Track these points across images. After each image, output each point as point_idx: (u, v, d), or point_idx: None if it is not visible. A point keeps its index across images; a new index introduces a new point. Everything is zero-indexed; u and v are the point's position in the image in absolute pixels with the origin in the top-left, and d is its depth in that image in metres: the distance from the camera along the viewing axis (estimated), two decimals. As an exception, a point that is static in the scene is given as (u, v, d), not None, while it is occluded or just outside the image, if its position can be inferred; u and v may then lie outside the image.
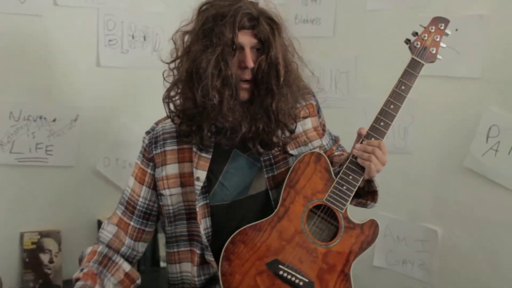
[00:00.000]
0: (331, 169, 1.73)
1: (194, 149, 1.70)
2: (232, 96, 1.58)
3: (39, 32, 2.27)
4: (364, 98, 2.63)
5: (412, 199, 2.56)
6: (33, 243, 2.29)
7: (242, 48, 1.60)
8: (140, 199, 1.76)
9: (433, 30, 1.80)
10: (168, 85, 1.69)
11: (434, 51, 1.81)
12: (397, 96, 1.72)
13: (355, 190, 1.68)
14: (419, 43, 1.79)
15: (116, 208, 1.82)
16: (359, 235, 1.71)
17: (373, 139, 1.68)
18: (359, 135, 1.71)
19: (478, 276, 2.33)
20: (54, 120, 2.31)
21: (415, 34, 1.81)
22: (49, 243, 2.32)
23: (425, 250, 2.50)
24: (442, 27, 1.81)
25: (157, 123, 1.80)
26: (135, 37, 2.48)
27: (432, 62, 1.82)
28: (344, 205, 1.68)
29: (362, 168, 1.67)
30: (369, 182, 1.75)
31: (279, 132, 1.69)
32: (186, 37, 1.65)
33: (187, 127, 1.66)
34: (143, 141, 1.77)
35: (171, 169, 1.72)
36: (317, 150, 1.78)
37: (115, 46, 2.43)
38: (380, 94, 2.61)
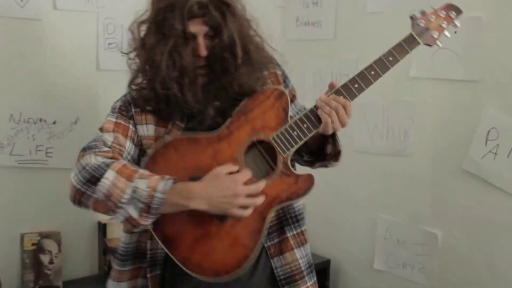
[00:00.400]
0: (289, 111, 1.65)
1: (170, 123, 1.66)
2: (192, 83, 1.56)
3: (38, 35, 2.30)
4: (363, 101, 2.62)
5: (412, 202, 2.55)
6: (33, 244, 2.31)
7: (195, 36, 1.57)
8: (125, 153, 1.61)
9: (442, 15, 1.73)
10: (131, 72, 1.66)
11: (436, 36, 1.72)
12: (381, 65, 1.64)
13: (304, 139, 1.61)
14: (423, 22, 1.71)
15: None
16: (291, 184, 1.61)
17: (341, 97, 1.61)
18: (330, 87, 1.64)
19: (477, 278, 2.32)
20: (54, 123, 2.33)
21: (422, 12, 1.73)
22: (49, 244, 2.33)
23: (425, 254, 2.50)
24: (453, 16, 1.74)
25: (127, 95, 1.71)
26: (135, 40, 2.49)
27: (429, 45, 1.74)
28: (289, 149, 1.60)
29: (320, 121, 1.60)
30: (334, 142, 1.69)
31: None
32: (142, 27, 1.62)
33: (159, 114, 1.64)
34: (115, 104, 1.69)
35: (151, 130, 1.64)
36: (281, 88, 1.70)
37: (115, 49, 2.45)
38: (379, 96, 2.63)
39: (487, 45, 2.25)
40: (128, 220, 1.45)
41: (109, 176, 1.46)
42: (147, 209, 1.44)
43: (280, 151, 1.61)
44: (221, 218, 1.53)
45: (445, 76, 2.38)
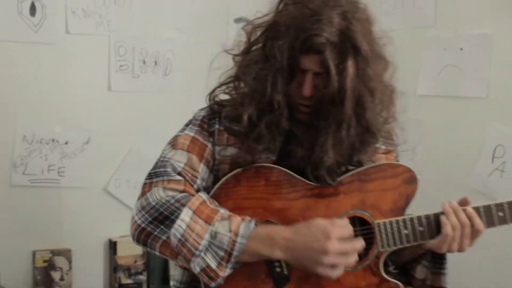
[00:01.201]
0: (411, 200, 1.37)
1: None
2: (295, 116, 1.33)
3: (52, 58, 2.39)
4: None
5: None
6: (44, 261, 2.37)
7: (304, 71, 1.30)
8: (198, 180, 1.35)
9: None
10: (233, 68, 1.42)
11: None
12: None
13: (411, 244, 1.33)
14: None
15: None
16: (372, 285, 1.34)
17: (477, 217, 1.33)
18: (463, 202, 1.36)
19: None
20: (66, 143, 2.41)
21: None
22: (60, 261, 2.39)
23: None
24: None
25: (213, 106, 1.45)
26: (146, 62, 2.56)
27: None
28: (390, 246, 1.32)
29: (438, 230, 1.32)
30: (437, 269, 1.40)
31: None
32: (256, 33, 1.37)
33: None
34: (198, 114, 1.43)
35: (232, 152, 1.37)
36: (415, 172, 1.39)
37: (126, 71, 2.52)
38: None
39: (494, 62, 2.25)
40: (205, 272, 1.22)
41: (185, 217, 1.23)
42: (227, 257, 1.22)
43: (379, 243, 1.33)
44: (279, 282, 1.30)
45: (452, 93, 2.37)
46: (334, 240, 1.20)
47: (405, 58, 2.10)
